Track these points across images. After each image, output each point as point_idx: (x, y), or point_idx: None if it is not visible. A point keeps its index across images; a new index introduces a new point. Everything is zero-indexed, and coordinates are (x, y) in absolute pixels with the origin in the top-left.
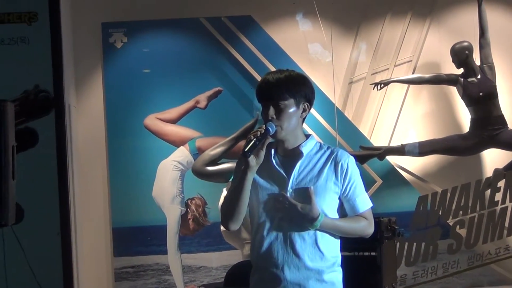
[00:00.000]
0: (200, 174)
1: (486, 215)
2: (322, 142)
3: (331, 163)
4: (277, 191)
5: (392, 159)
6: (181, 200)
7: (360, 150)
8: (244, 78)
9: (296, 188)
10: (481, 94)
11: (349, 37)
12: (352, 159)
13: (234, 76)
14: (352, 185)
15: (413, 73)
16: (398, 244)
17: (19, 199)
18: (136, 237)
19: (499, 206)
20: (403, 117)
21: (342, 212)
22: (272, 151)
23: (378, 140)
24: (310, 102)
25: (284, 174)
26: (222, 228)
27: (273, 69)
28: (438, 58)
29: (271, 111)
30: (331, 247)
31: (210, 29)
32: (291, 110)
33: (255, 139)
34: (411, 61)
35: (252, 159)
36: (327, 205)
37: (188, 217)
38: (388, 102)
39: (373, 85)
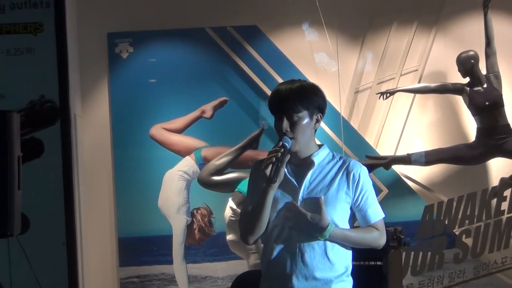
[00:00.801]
0: (206, 184)
1: (492, 224)
2: (335, 153)
3: (343, 173)
4: (289, 200)
5: (398, 168)
6: (186, 210)
7: (366, 160)
8: (250, 88)
9: (307, 197)
10: (487, 103)
11: (355, 46)
12: (364, 169)
13: (240, 86)
14: (364, 195)
15: (419, 82)
16: (404, 253)
17: (25, 209)
18: (141, 247)
19: (505, 215)
20: (409, 126)
21: (354, 222)
22: None
23: (384, 149)
24: (323, 112)
25: (296, 183)
26: (228, 237)
27: (279, 78)
28: (444, 67)
29: (285, 123)
30: (341, 257)
31: (216, 39)
32: (305, 122)
33: (276, 162)
34: (417, 70)
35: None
36: (338, 215)
37: (194, 227)
38: (394, 111)
39: (379, 94)
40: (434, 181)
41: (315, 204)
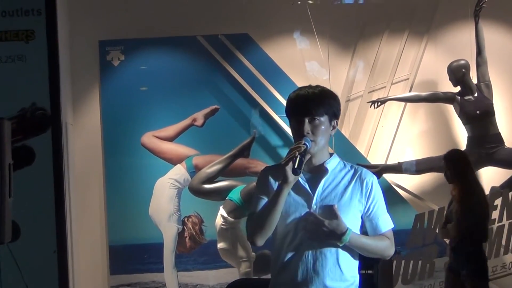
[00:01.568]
0: (197, 192)
1: None
2: (346, 161)
3: (356, 181)
4: (302, 206)
5: (389, 177)
6: (177, 218)
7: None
8: (241, 96)
9: (321, 204)
10: (478, 112)
11: (346, 55)
12: (375, 178)
13: (231, 94)
14: (376, 204)
15: (410, 91)
16: (395, 262)
17: (16, 216)
18: (132, 255)
19: (496, 224)
20: (400, 135)
21: (364, 231)
22: None
23: (375, 158)
24: (338, 120)
25: (309, 190)
26: (219, 246)
27: (270, 87)
28: (435, 76)
29: (307, 126)
30: (351, 267)
31: (207, 47)
32: (325, 126)
33: (299, 155)
34: (408, 79)
35: (290, 175)
36: (350, 223)
37: (185, 235)
38: (385, 120)
39: (370, 103)
40: (425, 189)
41: (329, 211)
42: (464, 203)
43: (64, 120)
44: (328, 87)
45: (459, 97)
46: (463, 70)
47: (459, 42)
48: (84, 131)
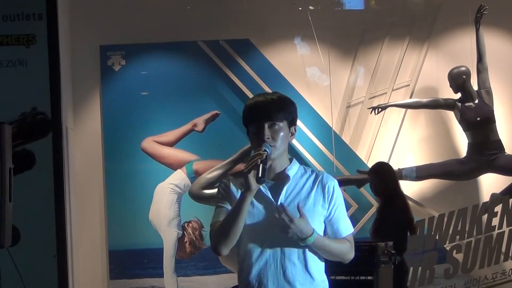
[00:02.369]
0: (197, 197)
1: (483, 240)
2: (305, 166)
3: (317, 186)
4: (265, 216)
5: None
6: (177, 223)
7: (357, 174)
8: (241, 102)
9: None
10: (478, 119)
11: (347, 61)
12: (336, 182)
13: (232, 99)
14: (337, 209)
15: (410, 97)
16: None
17: (16, 221)
18: (132, 260)
19: (496, 231)
20: (401, 141)
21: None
22: None
23: None
24: (295, 127)
25: (272, 199)
26: None
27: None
28: (436, 83)
29: (267, 131)
30: (320, 271)
31: (208, 53)
32: (284, 132)
33: (261, 163)
34: (408, 85)
35: (253, 183)
36: (315, 228)
37: (185, 240)
38: (385, 126)
39: (371, 109)
40: (425, 196)
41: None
42: (384, 215)
43: (64, 125)
44: (329, 93)
45: (459, 104)
46: (464, 76)
47: (459, 49)
48: (84, 136)
